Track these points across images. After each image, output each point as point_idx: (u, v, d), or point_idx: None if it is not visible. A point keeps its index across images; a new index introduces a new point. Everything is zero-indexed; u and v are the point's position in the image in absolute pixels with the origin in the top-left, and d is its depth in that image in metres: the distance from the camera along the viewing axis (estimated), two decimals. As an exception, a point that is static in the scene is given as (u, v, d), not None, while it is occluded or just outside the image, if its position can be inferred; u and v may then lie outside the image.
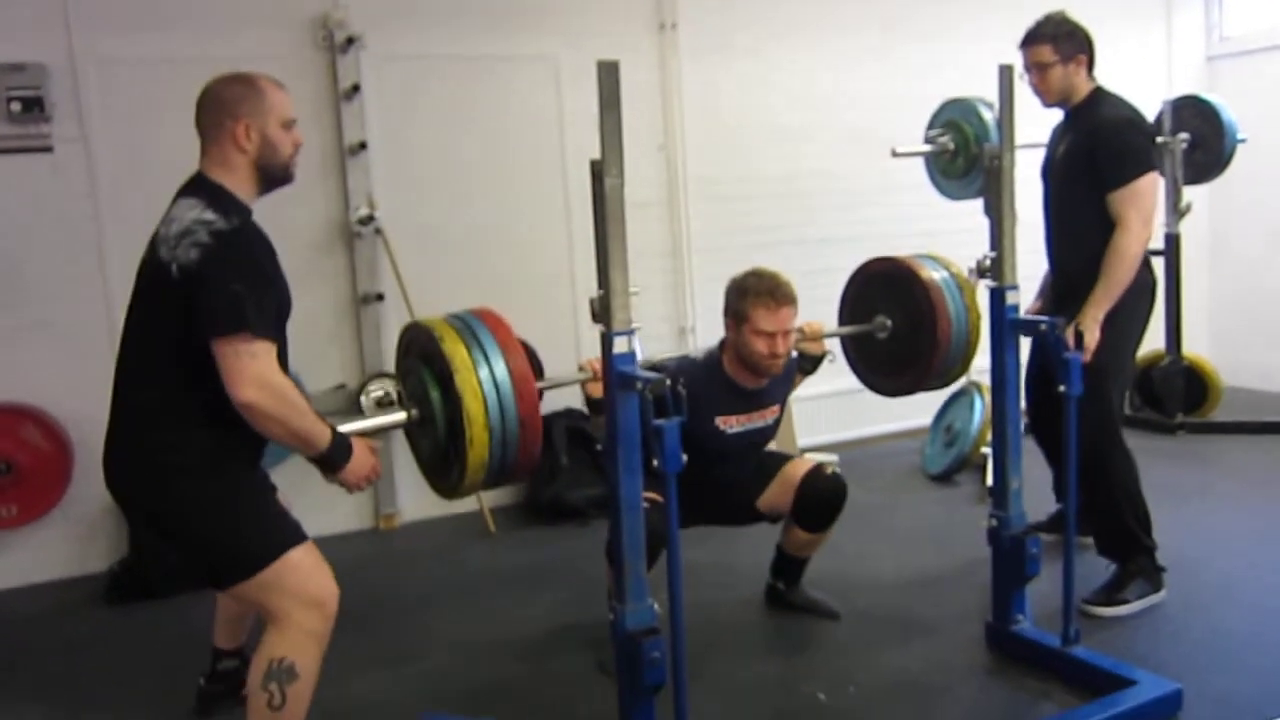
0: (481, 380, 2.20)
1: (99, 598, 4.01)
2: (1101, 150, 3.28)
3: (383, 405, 4.55)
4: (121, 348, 2.40)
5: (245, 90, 2.35)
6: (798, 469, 3.34)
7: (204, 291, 2.18)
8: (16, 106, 3.98)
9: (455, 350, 2.21)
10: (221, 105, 2.34)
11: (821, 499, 3.30)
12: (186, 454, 2.29)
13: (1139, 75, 5.68)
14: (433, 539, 4.59)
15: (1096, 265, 3.27)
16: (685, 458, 2.17)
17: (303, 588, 2.34)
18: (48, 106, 4.03)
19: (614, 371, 2.28)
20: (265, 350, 2.20)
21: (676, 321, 5.20)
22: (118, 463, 2.38)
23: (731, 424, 3.22)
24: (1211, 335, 6.52)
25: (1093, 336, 3.23)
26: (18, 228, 4.11)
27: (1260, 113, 5.79)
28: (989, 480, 4.27)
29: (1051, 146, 3.55)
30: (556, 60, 4.74)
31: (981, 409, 4.95)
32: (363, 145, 4.46)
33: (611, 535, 2.41)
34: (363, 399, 4.54)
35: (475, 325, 2.32)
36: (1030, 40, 3.43)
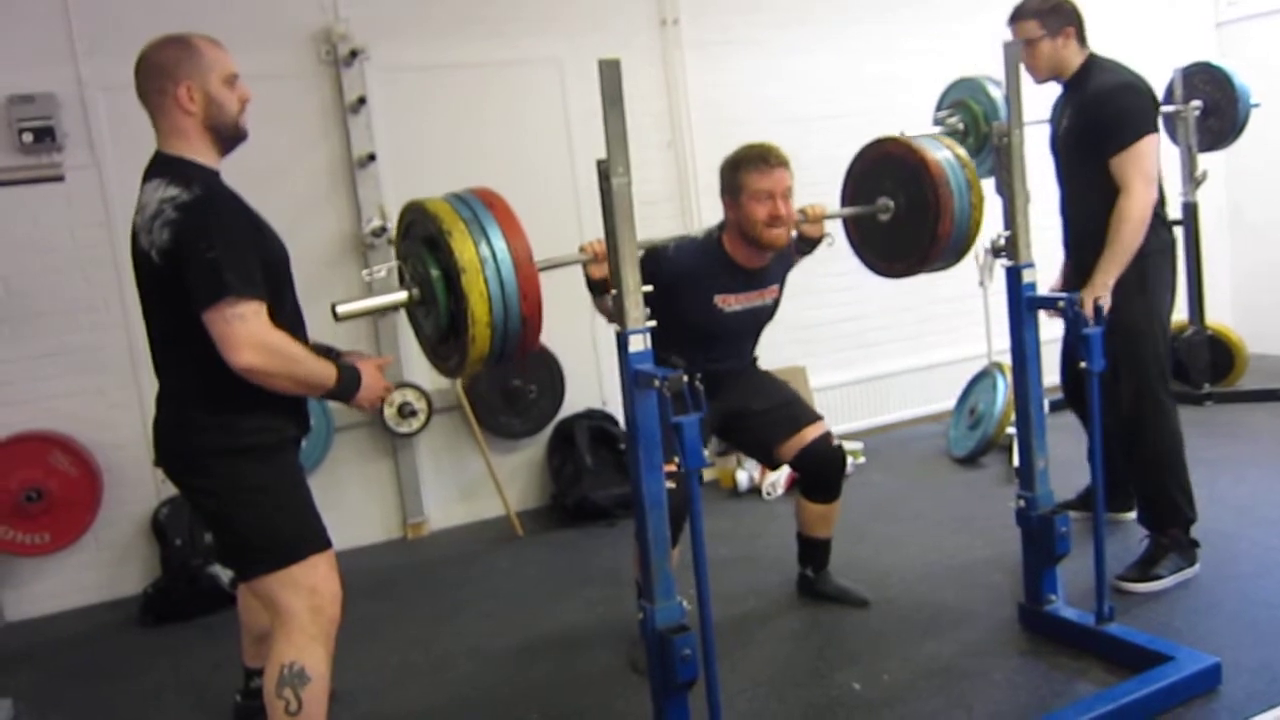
0: (488, 279, 2.14)
1: (133, 621, 4.04)
2: (1099, 117, 3.25)
3: (404, 415, 4.57)
4: (148, 333, 2.40)
5: (181, 52, 2.28)
6: (809, 434, 3.35)
7: (183, 267, 2.17)
8: (28, 137, 4.01)
9: (464, 248, 2.13)
10: (160, 70, 2.28)
11: (818, 463, 3.35)
12: (235, 433, 2.30)
13: (1148, 43, 5.62)
14: (461, 545, 4.61)
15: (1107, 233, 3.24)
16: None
17: (319, 592, 2.36)
18: (59, 136, 4.07)
19: (631, 370, 2.27)
20: (254, 311, 2.17)
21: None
22: (165, 440, 2.40)
23: (730, 303, 3.20)
24: (1234, 303, 6.46)
25: (1105, 301, 3.20)
26: (35, 256, 4.15)
27: (1272, 77, 5.72)
28: (1015, 461, 4.24)
29: (1054, 120, 3.51)
30: (560, 62, 4.74)
31: (1004, 389, 4.92)
32: (371, 157, 4.47)
33: (637, 534, 2.41)
34: (386, 408, 4.55)
35: (481, 214, 2.21)
36: (1015, 17, 3.40)
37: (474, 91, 4.68)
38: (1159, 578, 3.33)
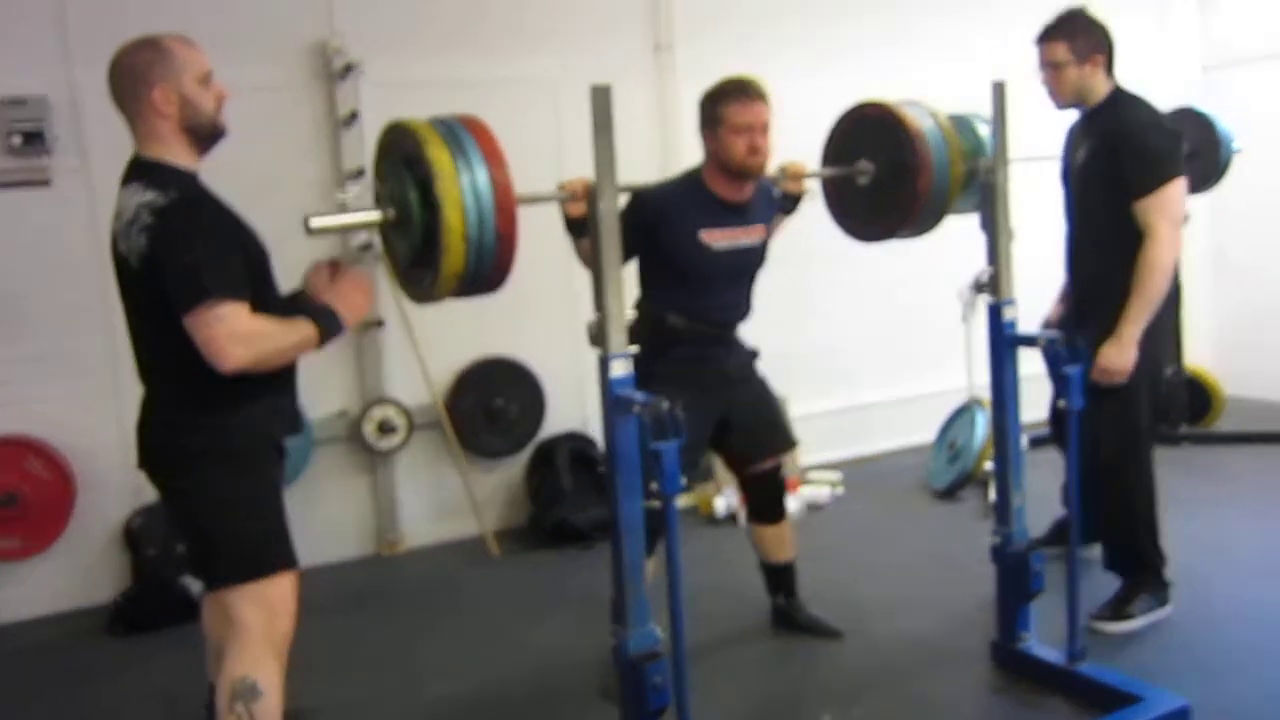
0: (463, 188, 2.10)
1: (103, 629, 4.00)
2: (1126, 155, 3.16)
3: (384, 432, 4.56)
4: (131, 338, 2.39)
5: (153, 54, 2.27)
6: (770, 462, 3.40)
7: (162, 273, 2.17)
8: (18, 140, 4.00)
9: (439, 156, 2.11)
10: (133, 74, 2.27)
11: (762, 486, 3.42)
12: (221, 437, 2.30)
13: (1134, 86, 5.67)
14: (436, 564, 4.59)
15: (1119, 272, 3.18)
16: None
17: (279, 609, 2.35)
18: (49, 139, 4.05)
19: (611, 395, 2.27)
20: (233, 311, 2.17)
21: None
22: (149, 441, 2.38)
23: (716, 238, 3.14)
24: (1213, 346, 6.50)
25: (1130, 357, 3.16)
26: (18, 259, 4.12)
27: (1256, 122, 5.79)
28: (992, 496, 4.26)
29: (1068, 151, 3.44)
30: (554, 83, 4.76)
31: (983, 424, 4.94)
32: (361, 171, 4.47)
33: (613, 559, 2.40)
34: (365, 424, 4.54)
35: (460, 133, 2.20)
36: (1045, 37, 3.30)
37: (467, 109, 4.63)
38: (1131, 617, 3.33)
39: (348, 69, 4.45)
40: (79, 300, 4.18)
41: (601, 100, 2.21)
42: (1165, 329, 3.35)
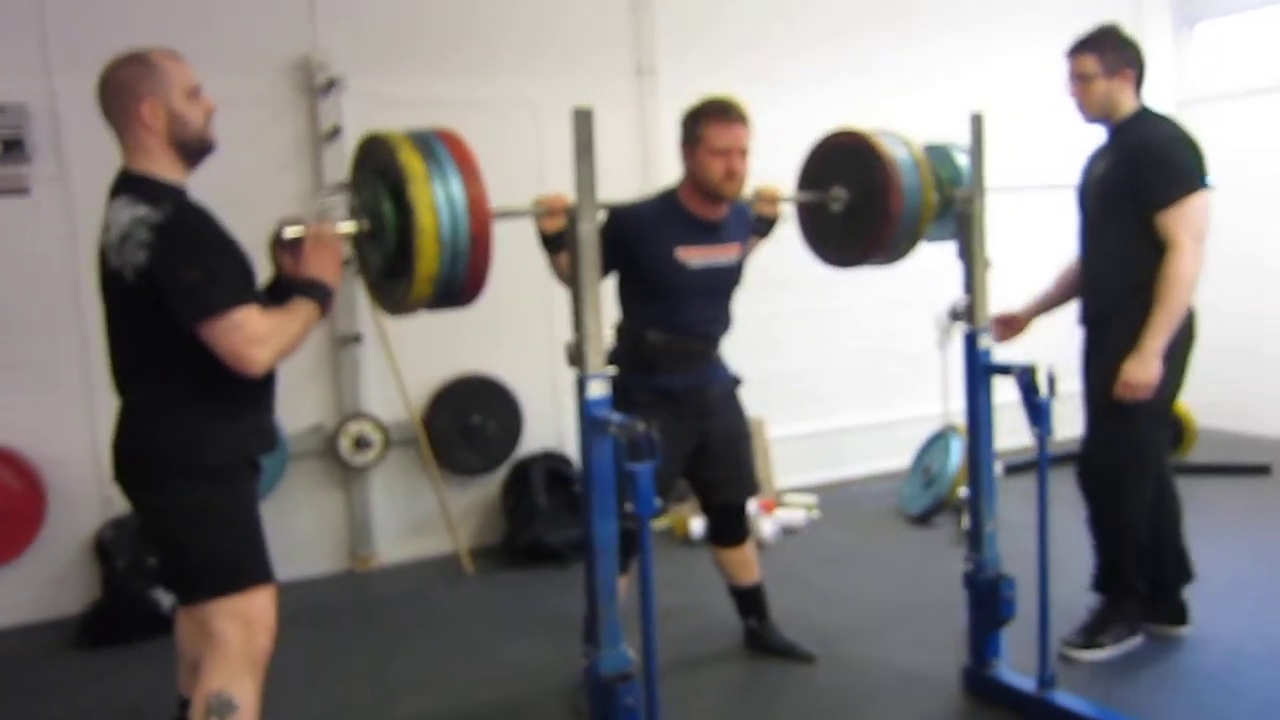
0: (435, 192, 2.13)
1: (70, 642, 3.96)
2: (1148, 167, 3.14)
3: (359, 447, 4.55)
4: (110, 351, 2.39)
5: (141, 69, 2.28)
6: (736, 500, 3.40)
7: (165, 288, 2.19)
8: (-4, 147, 3.99)
9: (411, 161, 2.14)
10: (121, 90, 2.28)
11: (725, 513, 3.42)
12: (195, 451, 2.29)
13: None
14: (409, 581, 4.57)
15: (1140, 290, 3.15)
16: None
17: (254, 623, 2.34)
18: (28, 147, 4.04)
19: (588, 415, 2.28)
20: (245, 316, 2.20)
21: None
22: (124, 456, 2.37)
23: (692, 256, 3.15)
24: (1190, 378, 6.55)
25: (1155, 370, 3.12)
26: (-6, 268, 4.10)
27: (1229, 159, 5.87)
28: (966, 522, 4.28)
29: (1088, 168, 3.42)
30: (536, 104, 4.79)
31: (958, 451, 4.97)
32: (343, 187, 4.47)
33: (586, 579, 2.40)
34: (341, 439, 4.52)
35: (433, 141, 2.25)
36: (1076, 49, 3.29)
37: (450, 127, 4.70)
38: (1101, 646, 3.34)
39: (331, 84, 4.46)
40: (53, 309, 4.16)
41: (583, 123, 2.23)
42: (1179, 355, 3.27)
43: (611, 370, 2.34)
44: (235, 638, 2.31)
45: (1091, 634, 3.37)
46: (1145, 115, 3.29)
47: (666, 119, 5.09)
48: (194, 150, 2.35)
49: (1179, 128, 3.24)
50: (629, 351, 3.14)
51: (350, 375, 4.62)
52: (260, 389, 2.42)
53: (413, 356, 4.64)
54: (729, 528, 3.44)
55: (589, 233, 2.28)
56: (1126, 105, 3.28)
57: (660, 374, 3.16)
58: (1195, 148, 3.20)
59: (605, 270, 2.87)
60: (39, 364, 4.17)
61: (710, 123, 3.07)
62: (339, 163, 4.47)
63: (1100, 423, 3.32)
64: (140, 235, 2.19)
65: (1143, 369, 3.13)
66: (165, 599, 3.97)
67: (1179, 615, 3.48)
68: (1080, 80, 3.28)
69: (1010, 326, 3.56)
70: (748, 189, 3.17)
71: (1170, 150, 3.17)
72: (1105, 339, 3.29)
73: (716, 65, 5.22)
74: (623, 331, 3.23)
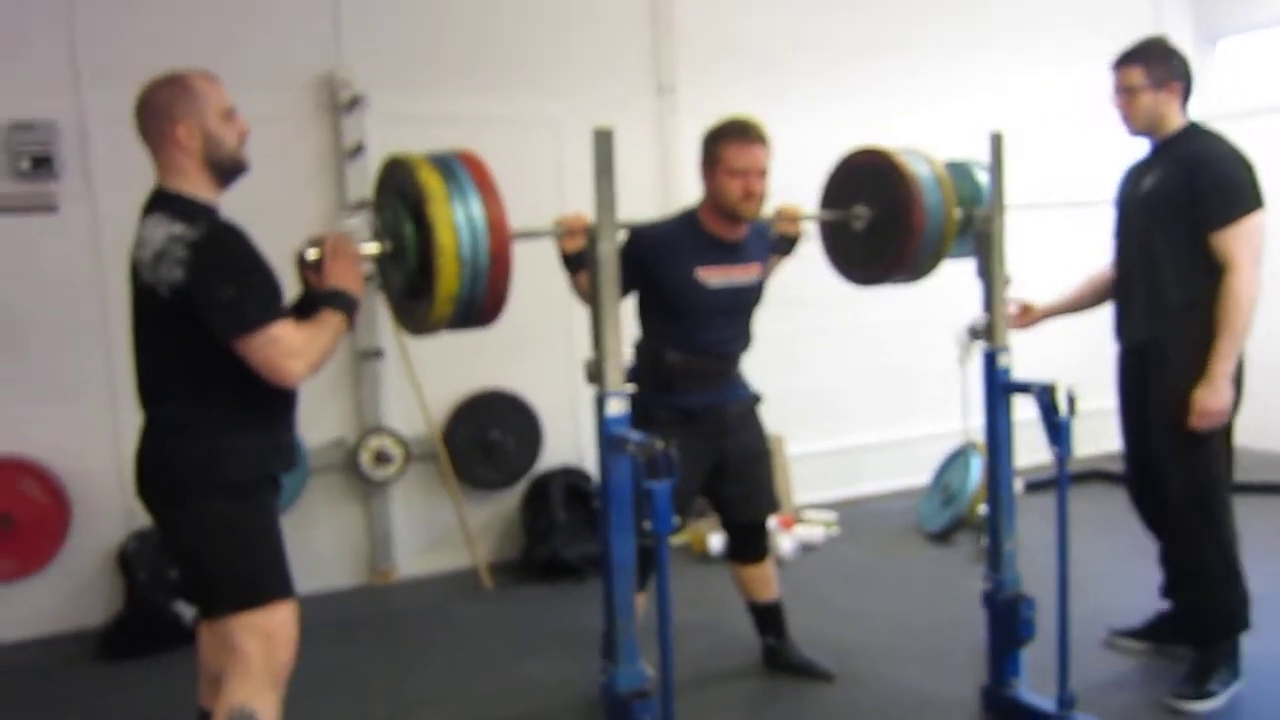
0: (455, 212, 2.16)
1: (92, 653, 3.99)
2: (1205, 186, 3.03)
3: (380, 462, 4.57)
4: (136, 365, 2.42)
5: (177, 91, 2.33)
6: (757, 519, 3.40)
7: (202, 304, 2.23)
8: (26, 164, 4.04)
9: (430, 180, 2.18)
10: (158, 111, 2.33)
11: (745, 531, 3.41)
12: (216, 468, 2.31)
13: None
14: (428, 595, 4.58)
15: (1196, 309, 3.05)
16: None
17: (276, 638, 2.35)
18: (56, 165, 4.10)
19: (606, 433, 2.30)
20: (280, 330, 2.25)
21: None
22: (147, 472, 2.39)
23: (712, 276, 3.15)
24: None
25: (1227, 396, 3.03)
26: (21, 282, 4.15)
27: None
28: (985, 541, 4.27)
29: (1129, 182, 3.31)
30: (558, 121, 4.82)
31: (978, 469, 4.95)
32: (366, 203, 4.51)
33: (604, 596, 2.41)
34: (361, 454, 4.55)
35: (452, 162, 2.28)
36: (1123, 61, 3.19)
37: (471, 144, 4.62)
38: (1214, 695, 3.12)
39: (354, 101, 4.50)
40: (79, 324, 4.20)
41: (603, 143, 2.24)
42: (1237, 378, 3.13)
43: (630, 388, 2.35)
44: (257, 652, 2.33)
45: (1200, 683, 3.13)
46: (1196, 130, 3.18)
47: (686, 136, 5.12)
48: (227, 170, 2.40)
49: (1234, 145, 3.14)
50: (648, 370, 3.16)
51: (371, 390, 4.65)
52: (283, 407, 2.45)
53: (433, 372, 4.66)
54: (748, 545, 3.43)
55: (609, 252, 2.29)
56: (1173, 119, 3.17)
57: (678, 393, 3.17)
58: (1250, 166, 3.10)
59: (625, 290, 2.89)
60: (64, 377, 4.22)
61: (729, 143, 3.08)
62: (362, 180, 4.51)
63: (1178, 457, 3.15)
64: (177, 253, 2.23)
65: (1214, 396, 3.02)
66: (187, 611, 4.00)
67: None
68: (1126, 93, 3.18)
69: (1024, 316, 3.46)
70: (768, 208, 3.18)
71: (1227, 165, 3.07)
72: (1165, 365, 3.15)
73: (736, 83, 5.24)
74: (642, 350, 3.24)
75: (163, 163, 2.37)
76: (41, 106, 4.11)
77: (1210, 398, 3.03)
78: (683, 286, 3.13)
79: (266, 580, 2.37)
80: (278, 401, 2.40)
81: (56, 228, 4.17)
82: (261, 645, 2.33)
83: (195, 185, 2.36)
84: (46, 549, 4.12)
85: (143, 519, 4.06)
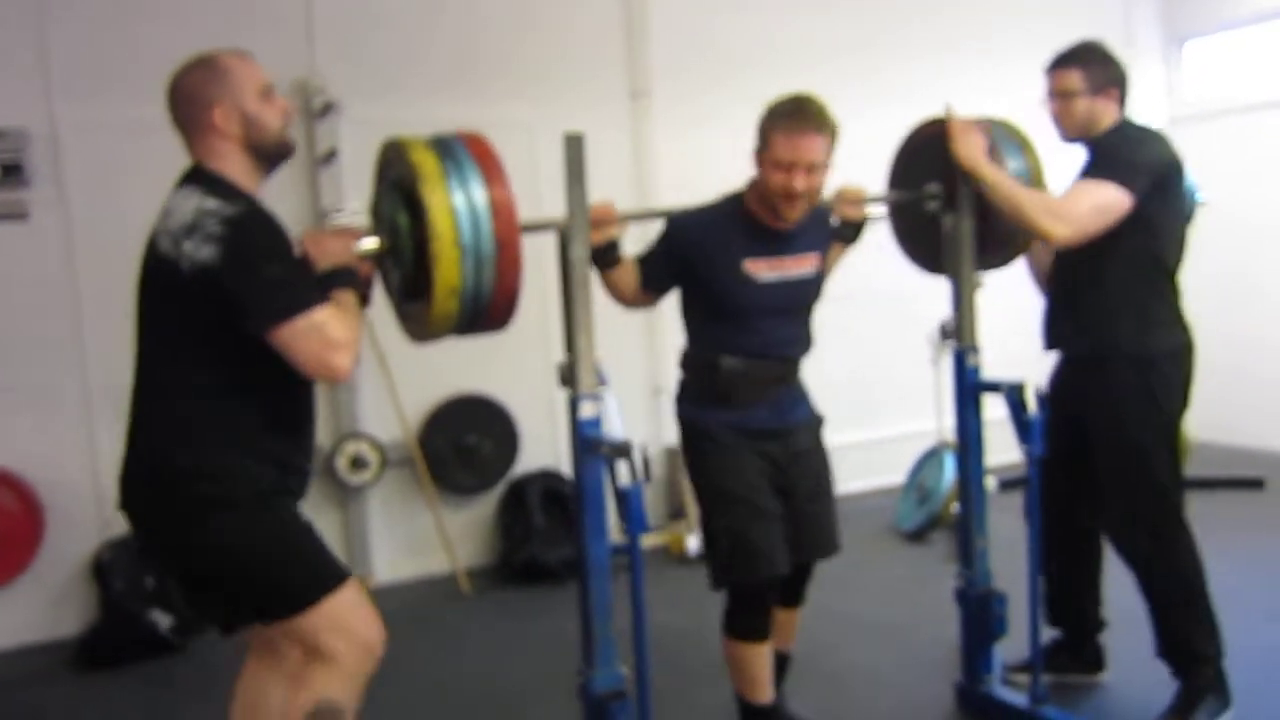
0: (452, 192, 1.94)
1: (68, 665, 3.97)
2: (1095, 158, 2.92)
3: (356, 467, 4.57)
4: (138, 361, 2.21)
5: (208, 73, 2.16)
6: (810, 562, 2.96)
7: (239, 286, 2.03)
8: (-4, 172, 4.03)
9: (422, 160, 1.95)
10: (189, 97, 2.16)
11: (796, 577, 2.93)
12: (228, 484, 2.12)
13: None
14: (406, 601, 4.58)
15: (1148, 328, 2.98)
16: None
17: (354, 627, 2.22)
18: (27, 172, 4.08)
19: (580, 436, 2.31)
20: (325, 315, 2.06)
21: (651, 381, 5.27)
22: (140, 487, 2.18)
23: (762, 270, 2.73)
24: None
25: (978, 142, 2.92)
26: (-7, 291, 4.13)
27: (1220, 175, 5.92)
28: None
29: None
30: (531, 127, 4.82)
31: (952, 467, 4.99)
32: (338, 210, 4.51)
33: (580, 599, 2.43)
34: (337, 459, 4.54)
35: (453, 143, 2.08)
36: (1059, 64, 3.01)
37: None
38: None
39: (327, 108, 4.50)
40: (52, 332, 4.18)
41: (575, 148, 2.26)
42: (1176, 390, 3.00)
43: (603, 391, 2.36)
44: (341, 647, 2.19)
45: (1184, 713, 2.94)
46: (1126, 124, 3.00)
47: (661, 141, 5.16)
48: (272, 154, 2.23)
49: (1153, 135, 2.96)
50: (703, 383, 2.80)
51: (347, 395, 4.65)
52: (301, 413, 2.30)
53: (409, 377, 4.66)
54: (793, 587, 2.95)
55: (581, 258, 2.30)
56: (1107, 121, 2.98)
57: (739, 406, 2.76)
58: (1154, 153, 2.89)
59: (665, 287, 2.76)
60: (38, 387, 4.19)
61: (777, 128, 2.64)
62: (335, 186, 4.52)
63: (1121, 495, 3.00)
64: (210, 227, 2.04)
65: (966, 145, 2.91)
66: (163, 620, 3.99)
67: (1097, 661, 3.32)
68: (1061, 98, 2.99)
69: None
70: (827, 189, 2.81)
71: (1117, 143, 2.91)
72: (1106, 390, 2.97)
73: (711, 88, 5.27)
74: (691, 360, 2.87)
75: (200, 152, 2.18)
76: (11, 114, 4.09)
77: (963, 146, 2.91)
78: (729, 282, 2.72)
79: (318, 576, 2.21)
80: (293, 404, 2.25)
81: (28, 236, 4.15)
82: (338, 639, 2.19)
83: (236, 173, 2.17)
84: (20, 559, 4.10)
85: (118, 527, 4.05)
